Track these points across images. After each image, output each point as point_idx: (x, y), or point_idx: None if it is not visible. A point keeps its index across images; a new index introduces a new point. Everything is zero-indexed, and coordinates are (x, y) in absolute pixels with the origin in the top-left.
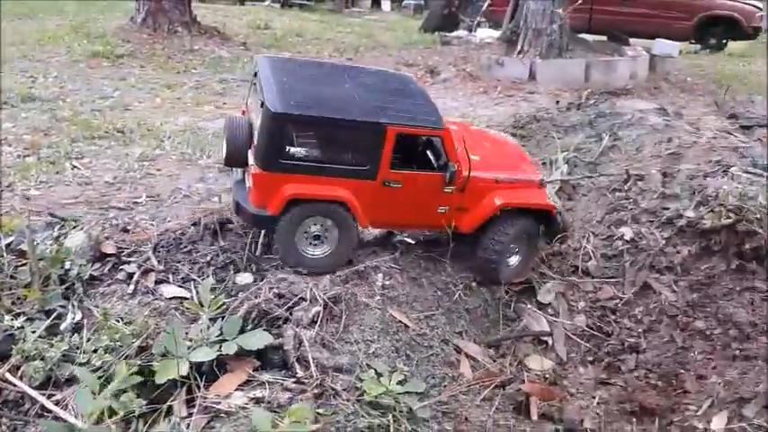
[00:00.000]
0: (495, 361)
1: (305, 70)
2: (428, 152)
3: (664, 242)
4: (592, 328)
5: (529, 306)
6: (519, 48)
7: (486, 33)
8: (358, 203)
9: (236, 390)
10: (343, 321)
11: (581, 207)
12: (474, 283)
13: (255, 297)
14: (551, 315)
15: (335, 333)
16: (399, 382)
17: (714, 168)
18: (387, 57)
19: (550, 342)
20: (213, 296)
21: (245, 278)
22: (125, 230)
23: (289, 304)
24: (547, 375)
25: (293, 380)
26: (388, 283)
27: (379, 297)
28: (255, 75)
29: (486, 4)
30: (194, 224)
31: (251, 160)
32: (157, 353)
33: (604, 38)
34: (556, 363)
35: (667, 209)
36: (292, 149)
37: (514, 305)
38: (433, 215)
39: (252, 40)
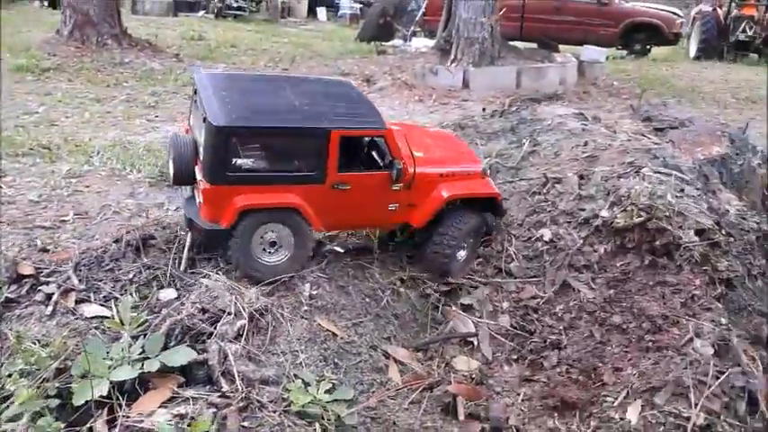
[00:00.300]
0: (423, 364)
1: (244, 83)
2: (373, 153)
3: (581, 242)
4: (516, 328)
5: (454, 309)
6: (452, 56)
7: (421, 42)
8: (310, 208)
9: (159, 407)
10: (269, 333)
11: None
12: (402, 289)
13: (178, 313)
14: (477, 317)
15: (262, 345)
16: (327, 391)
17: (627, 169)
18: (323, 66)
19: (476, 343)
20: (134, 314)
21: (168, 294)
22: (44, 250)
23: (213, 319)
24: (473, 375)
25: (218, 394)
26: (315, 292)
27: (306, 307)
28: (195, 92)
29: (420, 14)
30: (116, 241)
31: (199, 176)
32: (76, 374)
33: (535, 45)
34: (482, 363)
35: (584, 210)
36: (239, 161)
37: (442, 308)
38: (384, 213)
39: (185, 51)
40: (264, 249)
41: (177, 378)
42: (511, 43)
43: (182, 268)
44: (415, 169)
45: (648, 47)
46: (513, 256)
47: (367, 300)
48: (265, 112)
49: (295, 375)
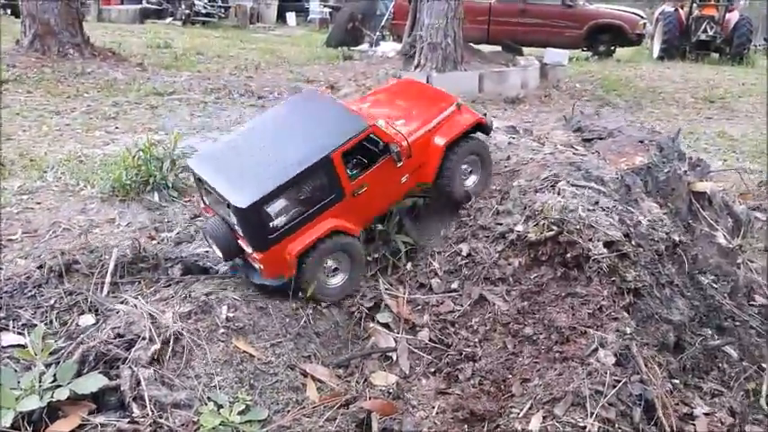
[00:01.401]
0: (342, 381)
1: (234, 149)
2: (369, 146)
3: (497, 256)
4: (434, 341)
5: (372, 325)
6: (416, 62)
7: (390, 47)
8: (345, 222)
9: None
10: (185, 357)
11: (431, 227)
12: (323, 307)
13: (92, 339)
14: (397, 332)
15: (177, 369)
16: (241, 412)
17: (544, 184)
18: (288, 73)
19: (395, 357)
20: (50, 341)
21: (87, 320)
22: None
23: (128, 344)
24: (390, 390)
25: (128, 420)
26: (232, 314)
27: (222, 330)
28: (199, 180)
29: (385, 18)
30: (40, 267)
31: (248, 249)
32: None
33: (499, 48)
34: (400, 377)
35: (500, 224)
36: (274, 222)
37: (364, 324)
38: (400, 189)
39: (150, 60)
40: (328, 276)
41: (89, 405)
42: (476, 47)
43: (103, 293)
44: (408, 141)
45: (613, 48)
46: (436, 271)
47: (287, 320)
48: (272, 170)
49: (208, 398)
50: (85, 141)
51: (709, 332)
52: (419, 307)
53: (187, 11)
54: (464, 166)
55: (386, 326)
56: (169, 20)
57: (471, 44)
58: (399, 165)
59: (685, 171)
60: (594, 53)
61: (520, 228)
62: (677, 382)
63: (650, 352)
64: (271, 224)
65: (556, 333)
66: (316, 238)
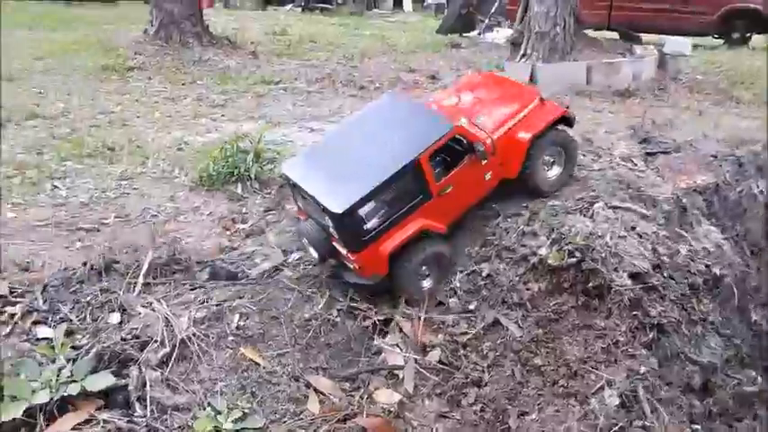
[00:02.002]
0: (347, 395)
1: (324, 155)
2: (454, 146)
3: (517, 279)
4: (444, 363)
5: (384, 341)
6: (522, 51)
7: (502, 34)
8: (431, 221)
9: (73, 429)
10: (193, 362)
11: (460, 243)
12: (338, 319)
13: (110, 339)
14: (405, 350)
15: (183, 373)
16: (237, 419)
17: (578, 205)
18: (393, 62)
19: (401, 376)
20: (71, 338)
21: (114, 319)
22: (26, 269)
23: (143, 345)
24: (392, 409)
25: (127, 419)
26: (242, 323)
27: (232, 337)
28: (294, 185)
29: (497, 4)
30: (84, 264)
31: (343, 250)
32: (8, 395)
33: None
34: (404, 396)
35: (524, 246)
36: (367, 225)
37: (377, 338)
38: (485, 185)
39: (266, 48)
40: (420, 276)
41: (97, 402)
42: (594, 34)
43: (134, 293)
44: (492, 138)
45: (749, 35)
46: (456, 289)
47: (298, 330)
48: (364, 174)
49: (208, 403)
50: (190, 128)
51: (753, 374)
52: (434, 326)
53: None
54: (546, 157)
55: (396, 344)
56: (289, 6)
57: (590, 31)
58: (484, 163)
59: (761, 190)
60: (726, 41)
61: (543, 251)
62: (698, 427)
63: (671, 393)
64: (364, 227)
65: (565, 366)
66: (406, 238)
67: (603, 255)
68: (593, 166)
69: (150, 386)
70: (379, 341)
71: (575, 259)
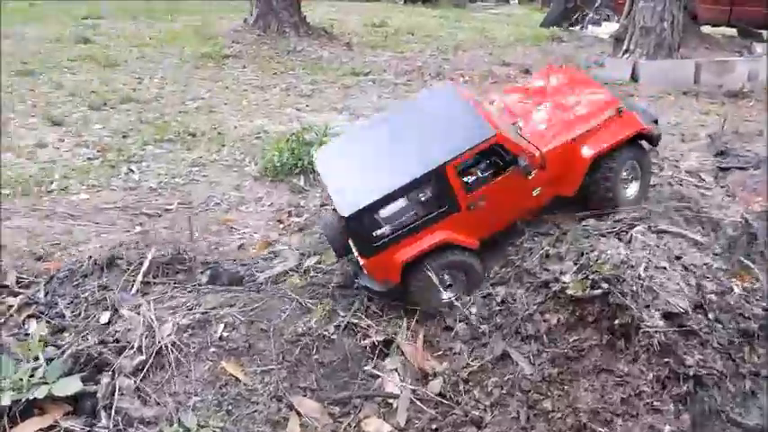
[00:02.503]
0: (334, 421)
1: (355, 148)
2: (496, 156)
3: (535, 307)
4: (443, 396)
5: (382, 363)
6: (624, 47)
7: (607, 29)
8: (459, 235)
9: None
10: (169, 372)
11: (487, 258)
12: (335, 336)
13: (87, 340)
14: (403, 378)
15: (158, 383)
16: None
17: (616, 226)
18: (487, 56)
19: (396, 405)
20: (50, 336)
21: (103, 318)
22: (39, 259)
23: (120, 350)
24: None
25: (87, 429)
26: (227, 334)
27: (213, 349)
28: (318, 174)
29: None
30: (90, 257)
31: (355, 252)
32: None
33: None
34: (395, 428)
35: (547, 270)
36: (379, 231)
37: (376, 361)
38: (531, 201)
39: (362, 39)
40: (443, 289)
41: (65, 407)
42: (710, 30)
43: (132, 291)
44: (542, 151)
45: None
46: (468, 314)
47: (287, 345)
48: (382, 178)
49: (178, 419)
50: (273, 118)
51: None
52: (440, 352)
53: None
54: (624, 174)
55: (395, 369)
56: None
57: (708, 27)
58: (531, 177)
59: None
60: None
61: (567, 279)
62: None
63: None
64: (375, 233)
65: (573, 415)
66: (424, 250)
67: (635, 288)
68: (658, 177)
69: (121, 395)
70: (376, 364)
71: (600, 291)
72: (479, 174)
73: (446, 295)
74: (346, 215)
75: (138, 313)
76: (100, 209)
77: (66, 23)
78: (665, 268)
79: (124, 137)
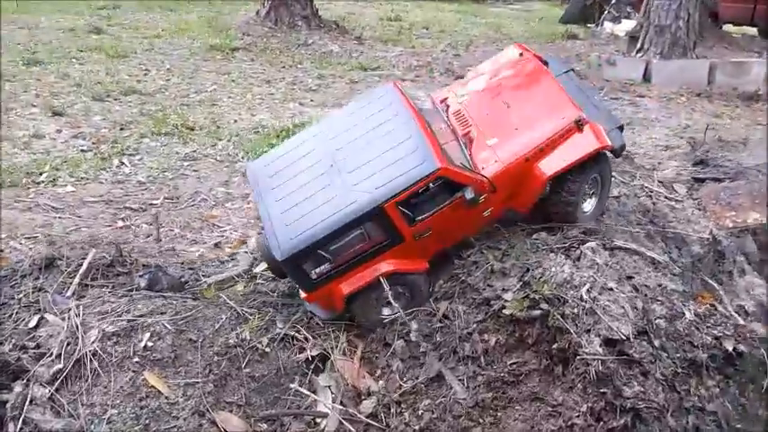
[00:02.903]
0: None
1: (292, 166)
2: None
3: (475, 326)
4: (374, 417)
5: (318, 380)
6: (639, 45)
7: (624, 26)
8: (404, 261)
9: None
10: (89, 382)
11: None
12: (268, 349)
13: (7, 345)
14: (335, 397)
15: (75, 393)
16: None
17: (567, 242)
18: (498, 52)
19: (324, 426)
20: None
21: (32, 322)
22: None
23: (39, 357)
24: None
25: None
26: (152, 344)
27: (137, 359)
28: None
29: None
30: (31, 257)
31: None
32: None
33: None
34: None
35: (490, 287)
36: (317, 270)
37: (310, 377)
38: (482, 221)
39: (375, 33)
40: (382, 309)
41: None
42: (732, 29)
43: (68, 294)
44: (489, 178)
45: None
46: (409, 330)
47: (216, 358)
48: (316, 213)
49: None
50: (275, 112)
51: None
52: (378, 370)
53: None
54: (587, 189)
55: (329, 386)
56: None
57: (730, 26)
58: (480, 202)
59: None
60: None
61: (509, 297)
62: None
63: None
64: (312, 271)
65: None
66: (368, 282)
67: (576, 310)
68: (614, 190)
69: (33, 405)
70: (310, 380)
71: (539, 312)
72: (424, 206)
73: (387, 312)
74: (280, 259)
75: (64, 318)
76: (85, 202)
77: (83, 13)
78: (611, 289)
79: (122, 129)
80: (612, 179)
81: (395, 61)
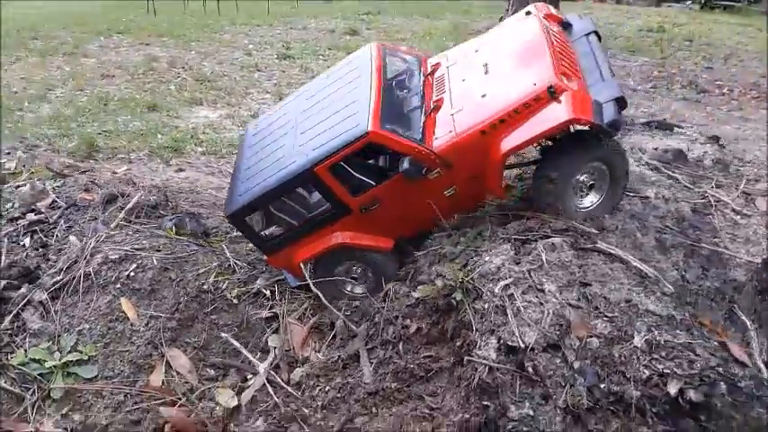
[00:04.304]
0: (200, 382)
1: (264, 127)
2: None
3: (406, 310)
4: (297, 386)
5: (271, 337)
6: None
7: None
8: (361, 237)
9: None
10: (79, 297)
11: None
12: (236, 300)
13: (31, 256)
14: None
15: (67, 305)
16: (71, 362)
17: (527, 235)
18: (762, 67)
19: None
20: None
21: (74, 242)
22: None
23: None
24: (219, 414)
25: None
26: (134, 274)
27: (119, 285)
28: None
29: None
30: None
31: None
32: None
33: None
34: (234, 405)
35: (433, 271)
36: (267, 232)
37: (270, 335)
38: (447, 202)
39: (624, 43)
40: (349, 283)
41: None
42: None
43: (113, 225)
44: (435, 150)
45: None
46: (357, 308)
47: (187, 299)
48: (265, 174)
49: (57, 337)
50: None
51: None
52: (324, 341)
53: None
54: (582, 177)
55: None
56: (687, 3)
57: None
58: (431, 176)
59: None
60: None
61: (439, 283)
62: None
63: None
64: (263, 233)
65: None
66: (319, 251)
67: (486, 306)
68: (649, 191)
69: (31, 306)
70: (266, 338)
71: (443, 301)
72: (372, 177)
73: (355, 290)
74: (225, 215)
75: (81, 241)
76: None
77: (349, 18)
78: (542, 291)
79: None
80: (663, 178)
81: (634, 71)
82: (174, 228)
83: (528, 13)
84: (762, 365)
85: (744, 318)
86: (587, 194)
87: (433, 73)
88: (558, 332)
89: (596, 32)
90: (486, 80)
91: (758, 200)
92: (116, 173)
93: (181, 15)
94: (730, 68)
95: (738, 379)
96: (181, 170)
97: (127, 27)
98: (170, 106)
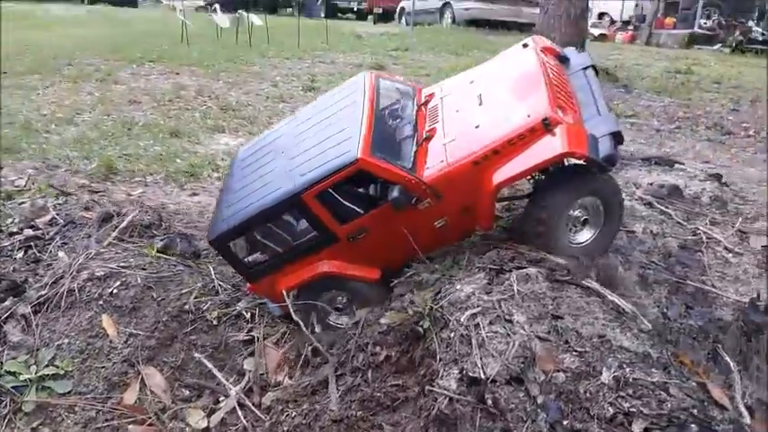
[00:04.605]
0: (174, 402)
1: (259, 154)
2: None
3: (378, 336)
4: (267, 410)
5: (247, 360)
6: None
7: None
8: (347, 266)
9: None
10: (61, 312)
11: None
12: (215, 321)
13: (18, 269)
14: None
15: (49, 320)
16: (46, 376)
17: (501, 264)
18: None
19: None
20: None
21: (62, 257)
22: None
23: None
24: (186, 431)
25: None
26: (117, 292)
27: (102, 302)
28: None
29: None
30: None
31: None
32: None
33: None
34: (203, 427)
35: (404, 298)
36: (250, 258)
37: (247, 358)
38: (437, 234)
39: (651, 84)
40: (334, 312)
41: None
42: None
43: (105, 243)
44: (424, 180)
45: None
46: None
47: (168, 319)
48: (246, 202)
49: (36, 351)
50: None
51: None
52: (299, 367)
53: (740, 37)
54: (576, 213)
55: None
56: (718, 46)
57: None
58: (420, 206)
59: None
60: None
61: (410, 310)
62: None
63: None
64: (246, 259)
65: None
66: (304, 281)
67: (452, 335)
68: (637, 225)
69: (14, 319)
70: (243, 360)
71: (411, 329)
72: (359, 205)
73: (339, 320)
74: (209, 240)
75: (68, 257)
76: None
77: (378, 53)
78: (510, 322)
79: None
80: (655, 213)
81: (658, 111)
82: (156, 247)
83: (525, 45)
84: (743, 409)
85: (728, 359)
86: (581, 230)
87: (426, 103)
88: (522, 365)
89: (594, 67)
90: (481, 111)
91: (752, 238)
92: (131, 195)
93: (213, 46)
94: (757, 111)
95: (716, 423)
96: (195, 194)
97: (160, 56)
98: (192, 132)
